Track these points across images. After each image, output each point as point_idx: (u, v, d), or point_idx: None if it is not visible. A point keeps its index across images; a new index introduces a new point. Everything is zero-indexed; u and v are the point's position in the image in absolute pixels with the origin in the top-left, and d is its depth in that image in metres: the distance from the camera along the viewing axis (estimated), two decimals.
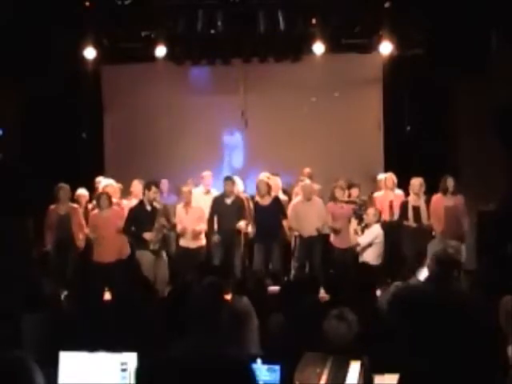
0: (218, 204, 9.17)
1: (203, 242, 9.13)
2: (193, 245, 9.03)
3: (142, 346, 3.58)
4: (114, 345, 3.67)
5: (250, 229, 9.27)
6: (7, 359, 2.65)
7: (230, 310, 4.73)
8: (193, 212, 9.07)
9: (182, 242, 9.09)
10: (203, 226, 9.09)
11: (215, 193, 9.65)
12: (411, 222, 8.92)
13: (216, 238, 9.06)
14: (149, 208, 8.55)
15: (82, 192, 9.39)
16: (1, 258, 8.03)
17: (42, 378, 2.67)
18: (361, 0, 9.85)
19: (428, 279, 3.77)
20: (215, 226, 9.15)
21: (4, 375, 2.60)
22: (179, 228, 8.96)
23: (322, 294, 5.65)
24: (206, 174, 9.90)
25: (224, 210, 9.10)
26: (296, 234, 9.38)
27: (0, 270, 7.50)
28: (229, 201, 9.16)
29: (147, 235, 8.37)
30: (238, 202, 9.18)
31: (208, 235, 9.20)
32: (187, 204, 9.06)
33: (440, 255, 3.69)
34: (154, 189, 8.54)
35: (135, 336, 4.31)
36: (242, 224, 9.02)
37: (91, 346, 3.58)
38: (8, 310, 4.60)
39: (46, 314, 4.75)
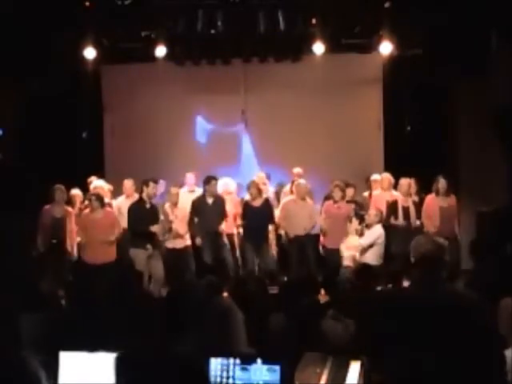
0: (199, 204, 9.18)
1: (188, 241, 9.16)
2: (179, 245, 9.06)
3: (140, 345, 3.58)
4: (112, 344, 3.67)
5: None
6: (11, 360, 2.65)
7: (218, 307, 4.75)
8: (179, 212, 9.10)
9: (168, 243, 9.09)
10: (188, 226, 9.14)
11: (200, 192, 9.68)
12: (400, 222, 8.96)
13: (198, 240, 9.08)
14: (148, 206, 8.62)
15: (76, 192, 9.39)
16: (0, 257, 8.03)
17: (45, 380, 2.66)
18: (361, 0, 9.84)
19: (414, 281, 3.69)
20: (198, 228, 9.17)
21: (8, 376, 2.60)
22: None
23: (322, 294, 5.65)
24: (190, 174, 9.96)
25: (206, 210, 9.12)
26: (283, 232, 9.41)
27: None
28: (210, 201, 9.18)
29: (154, 228, 8.45)
30: (220, 201, 9.22)
31: (191, 236, 9.23)
32: (174, 205, 9.08)
33: (426, 254, 3.60)
34: (151, 184, 8.61)
35: (134, 336, 4.31)
36: (223, 227, 9.10)
37: (91, 346, 3.58)
38: (7, 309, 4.60)
39: (45, 314, 4.75)
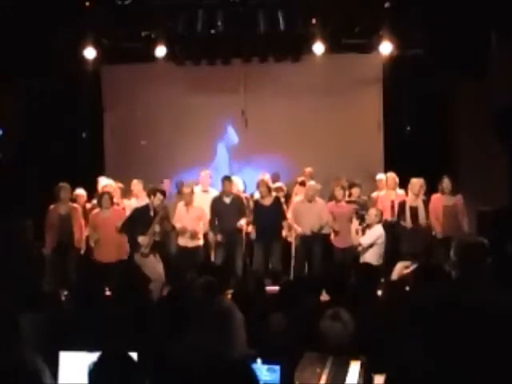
0: (217, 204, 9.20)
1: (201, 241, 9.16)
2: (191, 244, 9.07)
3: (141, 345, 3.58)
4: (112, 344, 3.67)
5: (250, 228, 9.31)
6: (16, 360, 2.66)
7: (216, 307, 4.75)
8: (193, 211, 9.10)
9: (181, 242, 9.11)
10: (202, 226, 9.12)
11: (213, 191, 9.68)
12: (408, 222, 8.94)
13: (219, 237, 9.08)
14: (152, 214, 8.61)
15: (80, 192, 9.39)
16: (1, 257, 8.04)
17: (51, 379, 2.67)
18: (361, 0, 9.84)
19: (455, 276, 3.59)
20: (217, 228, 9.15)
21: (13, 376, 2.60)
22: (178, 227, 8.97)
23: (323, 294, 5.64)
24: (204, 173, 9.95)
25: (223, 210, 9.14)
26: (295, 233, 9.39)
27: (0, 270, 7.51)
28: (228, 200, 9.19)
29: (140, 239, 8.42)
30: (237, 200, 9.23)
31: (209, 234, 9.21)
32: (188, 203, 9.09)
33: (463, 241, 3.48)
34: (158, 195, 8.55)
35: (135, 336, 4.31)
36: (242, 222, 9.06)
37: (91, 346, 3.58)
38: (8, 309, 4.60)
39: (45, 314, 4.75)
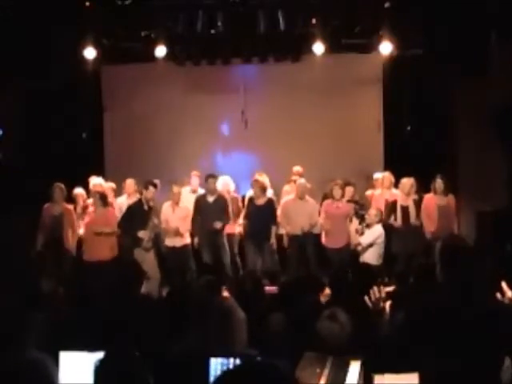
0: (200, 203, 9.21)
1: (188, 240, 9.16)
2: (178, 243, 9.07)
3: (142, 345, 3.58)
4: (112, 344, 3.67)
5: (239, 228, 9.37)
6: (28, 360, 2.66)
7: (217, 307, 4.75)
8: (179, 211, 9.11)
9: (168, 242, 9.12)
10: (188, 226, 9.13)
11: (202, 192, 9.68)
12: (398, 222, 8.95)
13: (197, 239, 9.11)
14: (146, 207, 8.65)
15: (80, 191, 9.40)
16: (0, 257, 8.04)
17: (58, 379, 2.68)
18: (361, 0, 9.84)
19: (444, 281, 3.58)
20: (198, 226, 9.17)
21: (25, 375, 2.61)
22: (163, 226, 8.98)
23: (323, 294, 5.63)
24: (194, 173, 9.96)
25: (206, 209, 9.14)
26: (283, 231, 9.39)
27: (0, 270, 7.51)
28: (211, 199, 9.18)
29: (141, 233, 8.47)
30: (221, 200, 9.21)
31: (193, 235, 9.25)
32: (175, 203, 9.09)
33: (449, 245, 3.50)
34: (150, 188, 8.66)
35: (135, 335, 4.31)
36: (217, 224, 9.01)
37: (91, 346, 3.58)
38: (9, 309, 4.60)
39: (45, 314, 4.74)
